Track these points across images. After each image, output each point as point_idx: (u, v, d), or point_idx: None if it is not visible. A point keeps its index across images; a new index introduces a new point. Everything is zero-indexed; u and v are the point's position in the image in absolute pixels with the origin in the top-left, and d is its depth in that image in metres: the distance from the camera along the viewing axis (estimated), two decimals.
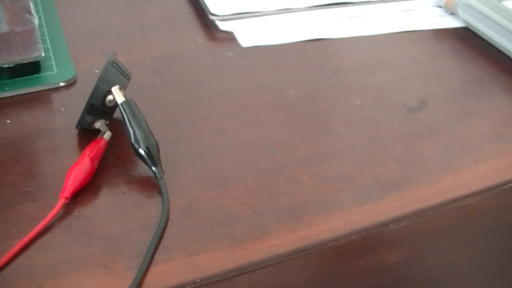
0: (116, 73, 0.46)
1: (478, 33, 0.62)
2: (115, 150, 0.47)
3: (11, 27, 0.50)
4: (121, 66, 0.47)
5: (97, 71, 0.54)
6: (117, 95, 0.45)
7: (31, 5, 0.50)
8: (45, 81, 0.53)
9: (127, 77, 0.47)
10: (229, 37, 0.60)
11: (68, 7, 0.63)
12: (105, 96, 0.45)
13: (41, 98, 0.53)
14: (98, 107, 0.45)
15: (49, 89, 0.53)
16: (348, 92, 0.54)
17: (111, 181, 0.45)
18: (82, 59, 0.56)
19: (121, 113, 0.45)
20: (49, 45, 0.57)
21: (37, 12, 0.57)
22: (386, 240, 0.44)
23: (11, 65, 0.52)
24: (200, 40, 0.59)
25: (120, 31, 0.60)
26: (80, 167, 0.43)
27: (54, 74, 0.54)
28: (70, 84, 0.54)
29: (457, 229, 0.48)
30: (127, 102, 0.45)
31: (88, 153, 0.44)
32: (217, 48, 0.58)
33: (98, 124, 0.46)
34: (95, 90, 0.45)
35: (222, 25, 0.60)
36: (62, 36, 0.58)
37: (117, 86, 0.46)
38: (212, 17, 0.60)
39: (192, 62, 0.56)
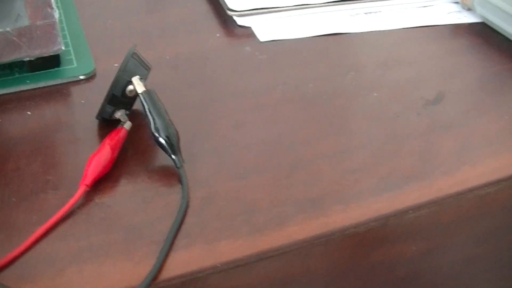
0: (136, 64, 0.47)
1: (496, 28, 0.62)
2: (135, 140, 0.47)
3: (32, 20, 0.51)
4: (141, 57, 0.48)
5: (116, 65, 0.55)
6: (137, 85, 0.46)
7: (52, 0, 0.51)
8: (65, 74, 0.54)
9: (147, 68, 0.48)
10: (247, 32, 0.60)
11: (87, 5, 0.64)
12: (126, 86, 0.46)
13: (61, 91, 0.53)
14: (118, 97, 0.46)
15: (69, 83, 0.54)
16: (366, 88, 0.54)
17: (132, 170, 0.45)
18: (101, 55, 0.57)
19: (142, 103, 0.45)
20: (68, 39, 0.58)
21: (59, 7, 0.57)
22: (405, 230, 0.44)
23: (31, 59, 0.53)
24: (218, 35, 0.60)
25: (139, 29, 0.61)
26: (100, 155, 0.44)
27: (74, 68, 0.54)
28: (90, 78, 0.54)
29: (476, 222, 0.48)
30: (147, 91, 0.45)
31: (109, 142, 0.45)
32: (235, 43, 0.59)
33: (119, 114, 0.47)
34: (116, 80, 0.45)
35: (240, 21, 0.60)
36: (81, 31, 0.59)
37: (138, 76, 0.46)
38: (230, 13, 0.61)
39: (211, 58, 0.57)
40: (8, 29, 0.51)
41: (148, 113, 0.45)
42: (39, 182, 0.44)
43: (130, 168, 0.45)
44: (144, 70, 0.47)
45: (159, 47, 0.58)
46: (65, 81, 0.54)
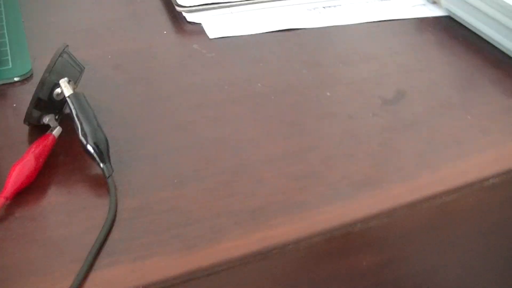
0: (66, 64, 0.43)
1: (462, 22, 0.59)
2: (66, 147, 0.44)
3: None
4: (72, 57, 0.44)
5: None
6: (65, 88, 0.42)
7: None
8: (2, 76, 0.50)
9: (79, 69, 0.44)
10: (197, 29, 0.57)
11: (32, 1, 0.60)
12: (53, 89, 0.42)
13: None
14: (45, 101, 0.42)
15: (3, 85, 0.50)
16: (320, 85, 0.51)
17: (58, 180, 0.41)
18: (41, 55, 0.53)
19: (69, 107, 0.42)
20: (6, 39, 0.54)
21: None
22: (355, 242, 0.41)
23: None
24: (165, 32, 0.56)
25: (85, 26, 0.57)
26: (23, 164, 0.40)
27: (8, 69, 0.51)
28: (26, 79, 0.51)
29: (436, 231, 0.44)
30: (75, 95, 0.42)
31: (34, 149, 0.41)
32: (183, 41, 0.55)
33: (47, 119, 0.43)
34: (42, 83, 0.42)
35: (190, 17, 0.57)
36: (22, 30, 0.55)
37: (66, 78, 0.42)
38: (179, 9, 0.57)
39: (156, 56, 0.53)
40: None
41: (75, 118, 0.41)
42: None
43: (58, 177, 0.41)
44: (75, 71, 0.44)
45: (103, 44, 0.54)
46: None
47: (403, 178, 0.43)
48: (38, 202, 0.40)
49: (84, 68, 0.45)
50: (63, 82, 0.42)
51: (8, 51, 0.52)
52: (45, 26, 0.57)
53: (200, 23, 0.56)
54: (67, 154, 0.43)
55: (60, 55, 0.43)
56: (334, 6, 0.60)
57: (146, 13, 0.59)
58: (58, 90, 0.42)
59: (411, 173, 0.43)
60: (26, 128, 0.45)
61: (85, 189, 0.41)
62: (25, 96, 0.49)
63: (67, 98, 0.42)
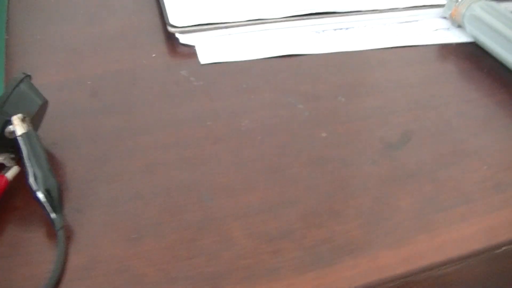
0: (23, 98, 0.39)
1: (488, 50, 0.52)
2: (22, 190, 0.39)
3: None
4: (32, 87, 0.40)
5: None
6: (17, 126, 0.38)
7: None
8: None
9: (39, 102, 0.40)
10: (189, 52, 0.52)
11: (22, 14, 0.56)
12: (5, 126, 0.38)
13: None
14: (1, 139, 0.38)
15: None
16: (315, 124, 0.45)
17: (4, 227, 0.37)
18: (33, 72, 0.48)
19: (19, 147, 0.37)
20: None
21: None
22: None
23: None
24: (154, 55, 0.51)
25: (71, 44, 0.53)
26: None
27: None
28: None
29: None
30: (27, 134, 0.37)
31: None
32: (171, 66, 0.50)
33: (1, 158, 0.39)
34: None
35: (183, 38, 0.52)
36: (1, 46, 0.51)
37: (20, 114, 0.38)
38: (171, 29, 0.52)
39: (139, 83, 0.48)
40: None
41: (25, 161, 0.37)
42: None
43: (4, 225, 0.37)
44: (34, 105, 0.39)
45: (85, 67, 0.50)
46: None
47: (396, 243, 0.37)
48: None
49: (47, 100, 0.41)
50: (16, 119, 0.38)
51: None
52: (29, 43, 0.53)
53: (193, 46, 0.51)
54: (21, 198, 0.39)
55: (17, 86, 0.39)
56: (346, 29, 0.54)
57: (138, 31, 0.54)
58: (10, 128, 0.38)
59: (406, 237, 0.37)
60: None
61: (33, 241, 0.36)
62: None
63: (17, 138, 0.37)
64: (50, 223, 0.37)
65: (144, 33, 0.54)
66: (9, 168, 0.39)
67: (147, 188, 0.40)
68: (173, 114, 0.45)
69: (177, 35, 0.52)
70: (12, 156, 0.39)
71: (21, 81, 0.40)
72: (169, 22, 0.52)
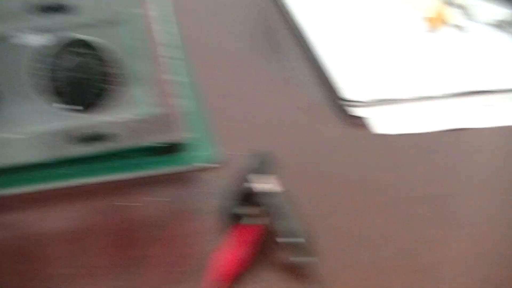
0: (264, 163, 0.48)
1: None
2: (263, 237, 0.48)
3: (159, 109, 0.53)
4: (269, 158, 0.49)
5: (241, 153, 0.57)
6: (269, 185, 0.47)
7: (179, 90, 0.53)
8: (190, 161, 0.56)
9: (275, 169, 0.49)
10: (361, 123, 0.61)
11: (212, 90, 0.66)
12: (253, 185, 0.47)
13: (186, 178, 0.55)
14: (245, 195, 0.48)
15: (194, 170, 0.56)
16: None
17: (259, 267, 0.46)
18: (227, 141, 0.58)
19: (272, 203, 0.47)
20: (193, 127, 0.59)
21: (184, 95, 0.59)
22: None
23: (156, 145, 0.55)
24: (333, 125, 0.61)
25: (260, 115, 0.63)
26: (230, 252, 0.45)
27: (199, 155, 0.56)
28: (215, 166, 0.56)
29: None
30: (279, 193, 0.47)
31: (239, 238, 0.46)
32: (351, 135, 0.60)
33: (246, 211, 0.48)
34: (245, 180, 0.47)
35: (358, 112, 0.62)
36: (206, 119, 0.61)
37: (270, 176, 0.48)
38: (348, 104, 0.62)
39: (328, 150, 0.58)
40: (134, 116, 0.53)
41: (276, 214, 0.46)
42: (168, 273, 0.46)
43: (257, 265, 0.46)
44: (275, 169, 0.49)
45: (280, 134, 0.60)
46: (189, 168, 0.56)
47: None
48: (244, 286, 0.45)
49: (280, 168, 0.50)
50: (268, 179, 0.47)
51: (195, 139, 0.58)
52: (225, 115, 0.63)
53: (365, 118, 0.61)
54: (265, 244, 0.48)
55: (260, 155, 0.49)
56: None
57: (314, 104, 0.64)
58: (257, 187, 0.48)
59: None
60: (219, 214, 0.50)
61: (284, 278, 0.45)
62: (215, 182, 0.54)
63: (267, 195, 0.47)
64: (295, 265, 0.46)
65: (316, 106, 0.64)
66: (250, 219, 0.48)
67: (356, 234, 0.49)
68: (360, 179, 0.55)
69: (352, 108, 0.62)
70: (258, 210, 0.49)
71: (263, 152, 0.50)
72: (342, 97, 0.62)
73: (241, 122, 0.62)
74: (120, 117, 0.53)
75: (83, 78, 0.48)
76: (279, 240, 0.46)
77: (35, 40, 0.48)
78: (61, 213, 0.52)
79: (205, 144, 0.58)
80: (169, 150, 0.56)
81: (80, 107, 0.49)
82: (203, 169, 0.56)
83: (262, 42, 0.79)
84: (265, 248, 0.48)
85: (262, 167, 0.48)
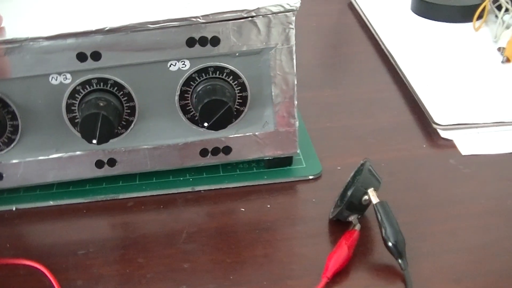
0: (370, 177, 0.56)
1: None
2: (364, 241, 0.56)
3: (277, 127, 0.62)
4: (373, 171, 0.57)
5: (339, 168, 0.65)
6: (372, 197, 0.55)
7: (295, 111, 0.62)
8: (296, 173, 0.64)
9: (379, 181, 0.57)
10: (450, 144, 0.68)
11: (309, 109, 0.75)
12: (362, 196, 0.55)
13: (293, 188, 0.64)
14: (355, 204, 0.56)
15: (299, 181, 0.64)
16: None
17: (362, 267, 0.54)
18: (325, 156, 0.67)
19: (375, 212, 0.55)
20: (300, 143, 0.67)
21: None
22: None
23: (270, 158, 0.64)
24: (424, 146, 0.68)
25: (355, 132, 0.71)
26: (339, 253, 0.53)
27: (303, 168, 0.65)
28: (317, 178, 0.64)
29: None
30: (381, 203, 0.55)
31: (345, 241, 0.54)
32: (440, 155, 0.67)
33: (352, 218, 0.56)
34: (355, 190, 0.55)
35: (444, 134, 0.69)
36: (306, 134, 0.70)
37: (372, 188, 0.55)
38: (435, 126, 0.69)
39: (420, 167, 0.65)
40: (256, 133, 0.62)
41: (380, 221, 0.54)
42: (286, 270, 0.54)
43: (361, 265, 0.54)
44: (377, 183, 0.56)
45: (375, 152, 0.67)
46: (295, 179, 0.64)
47: None
48: (350, 283, 0.53)
49: (382, 180, 0.58)
50: (371, 191, 0.55)
51: (300, 153, 0.67)
52: (323, 130, 0.71)
53: (452, 140, 0.68)
54: (364, 247, 0.56)
55: (363, 166, 0.57)
56: None
57: (403, 126, 0.72)
58: (366, 197, 0.55)
59: None
60: (326, 221, 0.59)
61: (383, 277, 0.53)
62: (320, 192, 0.62)
63: (374, 205, 0.55)
64: (392, 264, 0.54)
65: (406, 128, 0.72)
66: (355, 225, 0.56)
67: (453, 246, 0.56)
68: (454, 194, 0.62)
69: (439, 130, 0.69)
70: (359, 217, 0.57)
71: (364, 163, 0.57)
72: (434, 121, 0.70)
73: (335, 139, 0.70)
74: (246, 134, 0.62)
75: (218, 100, 0.56)
76: (385, 243, 0.53)
77: (183, 66, 0.58)
78: (183, 215, 0.61)
79: (308, 158, 0.66)
80: (282, 162, 0.64)
81: (215, 126, 0.57)
82: (308, 180, 0.64)
83: (350, 65, 0.87)
84: (362, 249, 0.55)
85: (364, 178, 0.56)
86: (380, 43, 0.90)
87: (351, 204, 0.56)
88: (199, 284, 0.53)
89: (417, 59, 0.83)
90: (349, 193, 0.56)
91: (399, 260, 0.53)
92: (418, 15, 0.96)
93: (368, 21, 0.96)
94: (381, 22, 0.95)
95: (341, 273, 0.53)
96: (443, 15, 0.93)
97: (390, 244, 0.53)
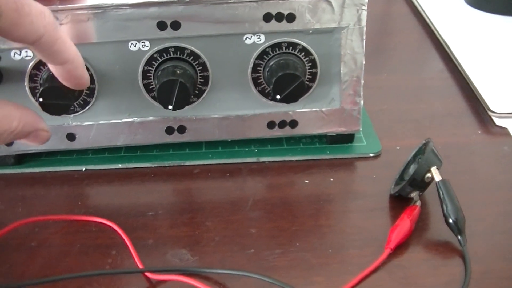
0: (433, 156, 0.58)
1: None
2: (423, 218, 0.58)
3: (342, 105, 0.64)
4: (435, 150, 0.59)
5: (398, 148, 0.67)
6: (435, 174, 0.57)
7: (361, 90, 0.64)
8: (357, 150, 0.67)
9: (441, 161, 0.59)
10: (504, 132, 0.70)
11: (367, 92, 0.76)
12: (425, 173, 0.58)
13: (353, 164, 0.66)
14: (417, 181, 0.58)
15: (359, 158, 0.67)
16: None
17: (421, 241, 0.56)
18: (383, 137, 0.69)
19: (438, 189, 0.57)
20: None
21: None
22: None
23: (333, 134, 0.66)
24: (479, 132, 0.70)
25: (411, 116, 0.73)
26: (401, 226, 0.56)
27: (364, 146, 0.67)
28: (377, 156, 0.67)
29: None
30: (443, 181, 0.57)
31: (407, 216, 0.57)
32: (495, 142, 0.69)
33: (413, 194, 0.59)
34: (419, 167, 0.57)
35: (498, 121, 0.71)
36: (366, 114, 0.72)
37: (435, 166, 0.58)
38: (490, 113, 0.71)
39: (474, 152, 0.67)
40: (322, 109, 0.65)
41: (442, 198, 0.56)
42: (348, 240, 0.57)
43: (421, 239, 0.56)
44: (439, 162, 0.59)
45: (428, 135, 0.69)
46: (356, 156, 0.66)
47: None
48: (410, 256, 0.55)
49: (443, 160, 0.60)
50: (434, 169, 0.57)
51: (361, 131, 0.69)
52: (381, 112, 0.73)
53: (506, 128, 0.70)
54: (424, 223, 0.58)
55: (426, 146, 0.59)
56: None
57: (458, 112, 0.74)
58: (428, 175, 0.58)
59: None
60: (386, 196, 0.61)
61: (442, 251, 0.55)
62: (380, 170, 0.65)
63: (437, 183, 0.57)
64: (451, 241, 0.56)
65: (460, 114, 0.74)
66: (416, 201, 0.59)
67: (507, 227, 0.58)
68: (506, 180, 0.64)
69: (494, 118, 0.71)
70: (420, 194, 0.59)
71: (427, 143, 0.60)
72: (489, 108, 0.72)
73: (392, 121, 0.73)
74: (313, 109, 0.64)
75: (292, 74, 0.59)
76: (446, 219, 0.55)
77: (258, 40, 0.60)
78: (248, 184, 0.64)
79: (368, 137, 0.69)
80: (344, 139, 0.67)
81: (286, 99, 0.60)
82: (368, 158, 0.66)
83: (405, 52, 0.90)
84: (422, 225, 0.58)
85: (428, 156, 0.58)
86: (435, 32, 0.92)
87: (414, 181, 0.58)
88: (265, 249, 0.56)
89: (472, 48, 0.85)
90: (412, 170, 0.59)
91: (459, 237, 0.55)
92: (472, 6, 0.98)
93: (422, 9, 0.98)
94: (435, 11, 0.97)
95: (402, 246, 0.55)
96: (498, 7, 0.95)
97: (451, 220, 0.55)
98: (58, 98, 0.57)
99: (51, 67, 0.47)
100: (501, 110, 0.72)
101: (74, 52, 0.46)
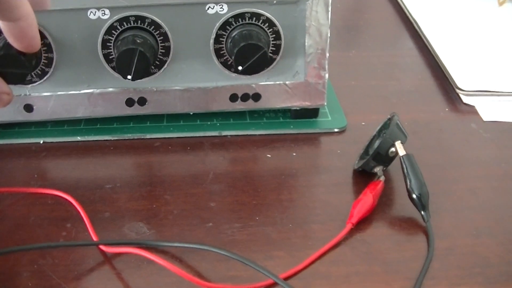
0: (397, 130, 0.57)
1: None
2: (387, 193, 0.57)
3: (307, 78, 0.63)
4: (400, 125, 0.58)
5: (363, 123, 0.66)
6: (399, 149, 0.56)
7: (326, 64, 0.63)
8: (322, 125, 0.66)
9: (405, 136, 0.58)
10: (471, 110, 0.70)
11: (335, 68, 0.75)
12: (389, 148, 0.57)
13: (318, 139, 0.65)
14: (382, 155, 0.57)
15: (324, 133, 0.65)
16: None
17: (385, 217, 0.55)
18: (350, 112, 0.68)
19: (401, 164, 0.56)
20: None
21: None
22: None
23: (297, 108, 0.65)
24: (446, 109, 0.70)
25: (379, 92, 0.72)
26: (364, 201, 0.55)
27: (329, 121, 0.66)
28: (342, 131, 0.66)
29: None
30: (407, 155, 0.56)
31: (370, 191, 0.55)
32: (462, 119, 0.68)
33: (377, 169, 0.58)
34: (383, 142, 0.56)
35: (466, 99, 0.70)
36: (332, 90, 0.71)
37: (399, 141, 0.57)
38: (458, 91, 0.71)
39: (442, 129, 0.67)
40: (286, 82, 0.63)
41: (406, 173, 0.55)
42: (310, 214, 0.55)
43: (385, 214, 0.55)
44: (403, 136, 0.58)
45: (397, 111, 0.68)
46: (321, 131, 0.65)
47: None
48: (373, 231, 0.54)
49: (408, 136, 0.59)
50: (398, 144, 0.56)
51: (326, 106, 0.68)
52: (348, 88, 0.72)
53: (473, 106, 0.70)
54: (387, 198, 0.57)
55: (391, 120, 0.58)
56: None
57: (426, 90, 0.73)
58: (393, 149, 0.57)
59: None
60: (350, 171, 0.60)
61: (406, 227, 0.54)
62: (344, 145, 0.64)
63: (400, 157, 0.56)
64: (415, 217, 0.55)
65: (428, 92, 0.73)
66: (379, 176, 0.58)
67: (473, 203, 0.57)
68: (475, 156, 0.63)
69: (461, 95, 0.71)
70: (384, 169, 0.58)
71: (392, 117, 0.59)
72: (457, 86, 0.71)
73: (359, 97, 0.72)
74: (277, 82, 0.63)
75: (254, 45, 0.57)
76: (409, 194, 0.54)
77: (220, 10, 0.58)
78: (210, 158, 0.62)
79: (334, 112, 0.67)
80: (308, 114, 0.66)
81: (248, 70, 0.58)
82: (333, 133, 0.65)
83: (374, 29, 0.88)
84: (385, 200, 0.57)
85: (392, 131, 0.57)
86: (405, 9, 0.91)
87: (378, 155, 0.57)
88: (225, 223, 0.54)
89: (441, 27, 0.85)
90: (376, 144, 0.58)
91: (422, 212, 0.54)
92: None
93: None
94: None
95: (364, 221, 0.55)
96: None
97: (414, 196, 0.54)
98: (14, 67, 0.55)
99: (2, 25, 0.45)
100: (469, 88, 0.71)
101: (28, 8, 0.44)
